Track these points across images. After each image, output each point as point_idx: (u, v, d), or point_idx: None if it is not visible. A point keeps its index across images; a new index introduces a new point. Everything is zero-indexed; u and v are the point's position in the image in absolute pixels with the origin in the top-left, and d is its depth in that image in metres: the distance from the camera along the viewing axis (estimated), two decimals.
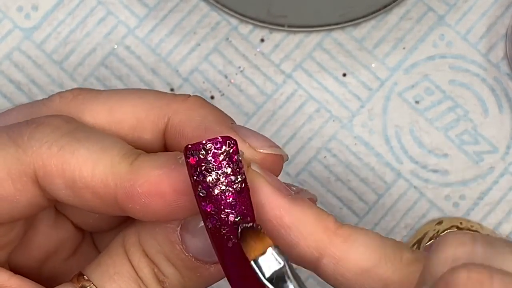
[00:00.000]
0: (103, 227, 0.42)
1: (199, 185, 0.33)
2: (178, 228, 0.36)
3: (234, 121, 0.38)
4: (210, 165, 0.33)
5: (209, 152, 0.33)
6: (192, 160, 0.33)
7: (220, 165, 0.33)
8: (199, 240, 0.36)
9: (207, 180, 0.33)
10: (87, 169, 0.35)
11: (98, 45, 0.55)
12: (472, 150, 0.54)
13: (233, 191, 0.33)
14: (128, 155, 0.36)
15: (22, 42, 0.55)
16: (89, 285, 0.36)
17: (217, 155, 0.33)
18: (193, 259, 0.36)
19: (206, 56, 0.55)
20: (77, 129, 0.37)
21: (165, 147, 0.39)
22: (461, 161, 0.54)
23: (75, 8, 0.55)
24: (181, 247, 0.36)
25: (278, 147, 0.37)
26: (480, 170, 0.54)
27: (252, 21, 0.55)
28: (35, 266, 0.41)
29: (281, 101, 0.55)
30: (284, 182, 0.37)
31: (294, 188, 0.37)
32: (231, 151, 0.33)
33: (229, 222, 0.33)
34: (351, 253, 0.35)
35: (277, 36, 0.55)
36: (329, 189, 0.54)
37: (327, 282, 0.36)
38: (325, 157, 0.54)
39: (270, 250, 0.32)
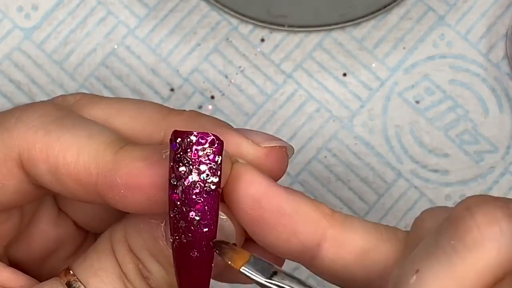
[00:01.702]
0: (104, 226, 0.42)
1: (173, 172, 0.33)
2: (162, 224, 0.36)
3: (232, 127, 0.38)
4: (188, 156, 0.33)
5: (192, 143, 0.33)
6: (174, 146, 0.33)
7: (197, 159, 0.33)
8: None
9: (180, 170, 0.33)
10: (71, 156, 0.35)
11: (98, 45, 0.55)
12: (473, 150, 0.54)
13: (201, 189, 0.33)
14: (114, 143, 0.35)
15: (22, 42, 0.55)
16: (74, 279, 0.36)
17: (197, 149, 0.33)
18: None
19: (206, 56, 0.55)
20: (67, 116, 0.37)
21: None
22: (461, 161, 0.54)
23: (75, 8, 0.55)
24: (165, 243, 0.36)
25: (281, 140, 0.37)
26: (480, 170, 0.54)
27: (252, 21, 0.55)
28: (36, 263, 0.41)
29: (281, 101, 0.55)
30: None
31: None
32: (213, 148, 0.33)
33: (189, 218, 0.33)
34: (351, 235, 0.35)
35: (277, 36, 0.55)
36: (329, 189, 0.54)
37: (323, 273, 0.36)
38: (325, 157, 0.54)
39: (252, 258, 0.33)
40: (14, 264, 0.40)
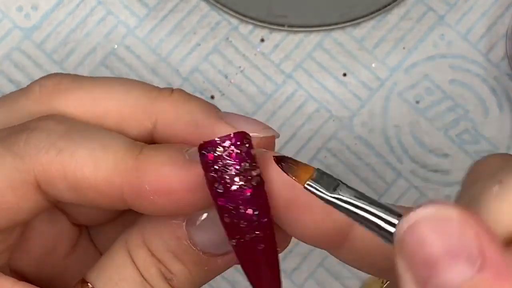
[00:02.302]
0: (100, 220, 0.41)
1: (216, 181, 0.33)
2: (184, 223, 0.36)
3: (218, 108, 0.38)
4: (227, 161, 0.33)
5: (226, 148, 0.33)
6: (210, 156, 0.33)
7: (237, 161, 0.33)
8: (206, 234, 0.36)
9: (225, 177, 0.33)
10: (89, 169, 0.35)
11: (98, 45, 0.55)
12: (473, 150, 0.54)
13: (250, 186, 0.33)
14: (131, 148, 0.35)
15: (22, 42, 0.55)
16: None
17: (234, 151, 0.33)
18: (201, 253, 0.36)
19: (206, 56, 0.55)
20: (72, 128, 0.36)
21: (152, 143, 0.38)
22: (461, 161, 0.54)
23: (75, 8, 0.55)
24: (188, 242, 0.36)
25: (268, 127, 0.37)
26: None
27: (252, 21, 0.55)
28: (34, 265, 0.41)
29: (281, 101, 0.55)
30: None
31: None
32: (247, 145, 0.33)
33: (247, 216, 0.34)
34: None
35: (277, 36, 0.55)
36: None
37: (353, 256, 0.35)
38: (325, 157, 0.54)
39: (316, 172, 0.32)
40: (13, 269, 0.40)
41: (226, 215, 0.34)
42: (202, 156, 0.33)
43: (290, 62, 0.55)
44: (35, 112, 0.37)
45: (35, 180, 0.35)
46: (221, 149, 0.33)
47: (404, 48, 0.55)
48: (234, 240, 0.34)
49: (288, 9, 0.54)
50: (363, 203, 0.32)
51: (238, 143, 0.33)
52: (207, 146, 0.33)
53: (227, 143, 0.33)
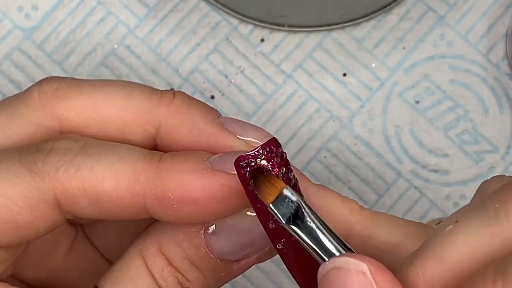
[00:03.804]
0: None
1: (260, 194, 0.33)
2: (202, 231, 0.36)
3: (219, 113, 0.38)
4: (267, 168, 0.33)
5: (265, 159, 0.33)
6: (248, 169, 0.33)
7: (276, 167, 0.33)
8: (223, 241, 0.36)
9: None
10: (110, 182, 0.34)
11: (98, 45, 0.55)
12: (473, 150, 0.54)
13: (292, 185, 0.34)
14: (150, 158, 0.35)
15: (22, 42, 0.55)
16: None
17: (271, 158, 0.33)
18: (218, 260, 0.36)
19: (206, 56, 0.55)
20: (87, 145, 0.36)
21: (156, 149, 0.38)
22: (461, 161, 0.54)
23: (75, 8, 0.55)
24: (206, 250, 0.36)
25: (269, 135, 0.37)
26: (480, 170, 0.54)
27: (252, 21, 0.55)
28: (33, 267, 0.40)
29: (281, 101, 0.55)
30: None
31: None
32: (280, 150, 0.34)
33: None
34: (377, 231, 0.35)
35: (277, 36, 0.55)
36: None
37: None
38: (325, 157, 0.54)
39: (285, 191, 0.33)
40: (12, 273, 0.39)
41: (271, 221, 0.34)
42: (239, 169, 0.33)
43: (290, 62, 0.55)
44: (36, 120, 0.37)
45: (55, 199, 0.35)
46: (258, 160, 0.33)
47: (404, 48, 0.55)
48: (280, 244, 0.34)
49: (288, 9, 0.54)
50: (310, 240, 0.32)
51: (274, 149, 0.33)
52: (245, 160, 0.33)
53: (262, 152, 0.33)
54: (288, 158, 0.34)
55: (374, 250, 0.35)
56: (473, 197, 0.36)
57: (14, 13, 0.55)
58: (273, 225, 0.34)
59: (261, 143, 0.36)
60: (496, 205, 0.30)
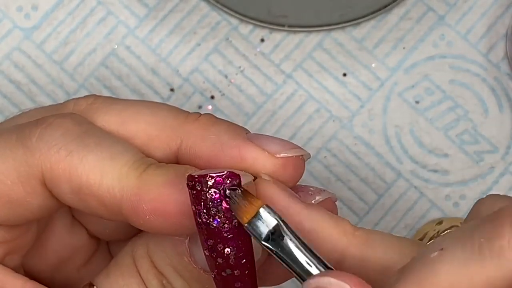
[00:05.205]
0: (120, 236, 0.42)
1: (198, 216, 0.33)
2: (187, 240, 0.36)
3: (248, 130, 0.38)
4: (210, 198, 0.33)
5: (211, 186, 0.33)
6: (194, 190, 0.33)
7: (219, 199, 0.33)
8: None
9: (206, 212, 0.33)
10: (95, 178, 0.35)
11: (98, 45, 0.55)
12: (472, 150, 0.54)
13: (231, 226, 0.33)
14: (137, 165, 0.35)
15: (22, 42, 0.55)
16: None
17: (216, 190, 0.33)
18: (202, 271, 0.36)
19: (206, 56, 0.55)
20: (88, 132, 0.36)
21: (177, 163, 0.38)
22: (461, 161, 0.54)
23: (75, 8, 0.55)
24: (189, 259, 0.36)
25: (298, 147, 0.37)
26: (480, 170, 0.54)
27: (252, 21, 0.55)
28: (48, 272, 0.41)
29: (281, 101, 0.55)
30: (303, 184, 0.37)
31: (312, 189, 0.37)
32: (233, 186, 0.33)
33: (225, 255, 0.33)
34: (372, 253, 0.35)
35: (277, 36, 0.55)
36: (329, 189, 0.54)
37: None
38: (325, 157, 0.54)
39: (262, 210, 0.33)
40: (27, 273, 0.40)
41: (205, 249, 0.34)
42: (188, 188, 0.33)
43: (290, 62, 0.55)
44: None
45: (42, 176, 0.36)
46: (206, 184, 0.33)
47: (404, 48, 0.55)
48: (212, 273, 0.34)
49: (288, 9, 0.54)
50: (285, 258, 0.32)
51: (227, 181, 0.33)
52: (194, 180, 0.33)
53: (213, 180, 0.33)
54: (228, 206, 0.33)
55: (369, 271, 0.35)
56: (466, 217, 0.35)
57: (14, 13, 0.55)
58: (208, 253, 0.34)
59: (285, 155, 0.36)
60: (482, 240, 0.30)
